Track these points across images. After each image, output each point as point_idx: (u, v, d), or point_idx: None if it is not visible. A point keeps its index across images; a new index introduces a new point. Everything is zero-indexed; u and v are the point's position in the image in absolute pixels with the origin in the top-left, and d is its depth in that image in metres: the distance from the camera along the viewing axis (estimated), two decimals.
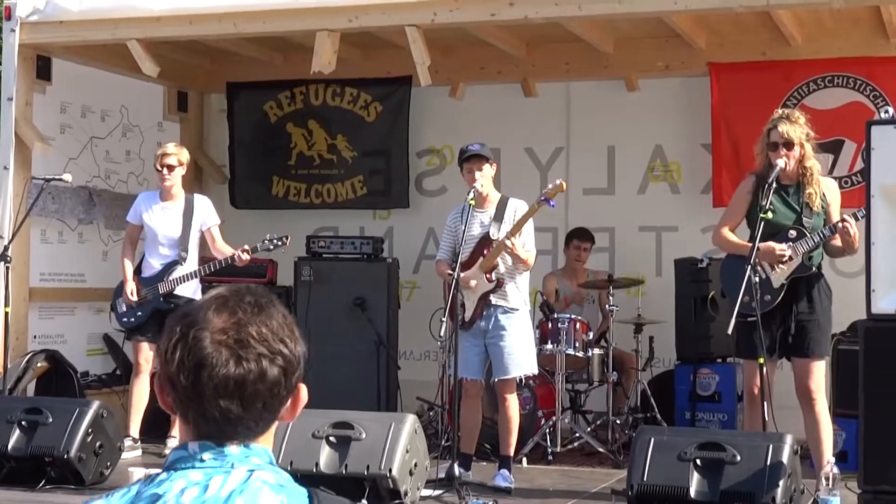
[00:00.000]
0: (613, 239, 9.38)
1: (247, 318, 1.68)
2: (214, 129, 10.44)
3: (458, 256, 6.67)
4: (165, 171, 7.66)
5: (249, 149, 10.16)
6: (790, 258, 6.03)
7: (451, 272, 6.55)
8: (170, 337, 1.69)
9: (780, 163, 6.00)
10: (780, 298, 6.06)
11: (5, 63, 8.43)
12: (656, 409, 7.99)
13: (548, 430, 7.71)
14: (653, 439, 5.71)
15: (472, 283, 6.67)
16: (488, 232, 6.76)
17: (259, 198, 10.11)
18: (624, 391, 8.34)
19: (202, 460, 1.67)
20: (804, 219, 6.09)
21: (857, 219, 5.97)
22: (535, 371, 6.94)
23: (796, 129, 6.08)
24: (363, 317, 8.52)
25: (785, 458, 5.44)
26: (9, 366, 7.83)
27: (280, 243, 7.63)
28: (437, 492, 6.28)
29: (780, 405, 6.04)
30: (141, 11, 7.89)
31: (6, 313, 7.66)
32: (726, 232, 6.30)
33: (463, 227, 6.65)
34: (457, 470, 6.30)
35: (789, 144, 6.06)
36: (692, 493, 5.48)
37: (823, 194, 6.14)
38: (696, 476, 5.53)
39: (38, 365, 8.13)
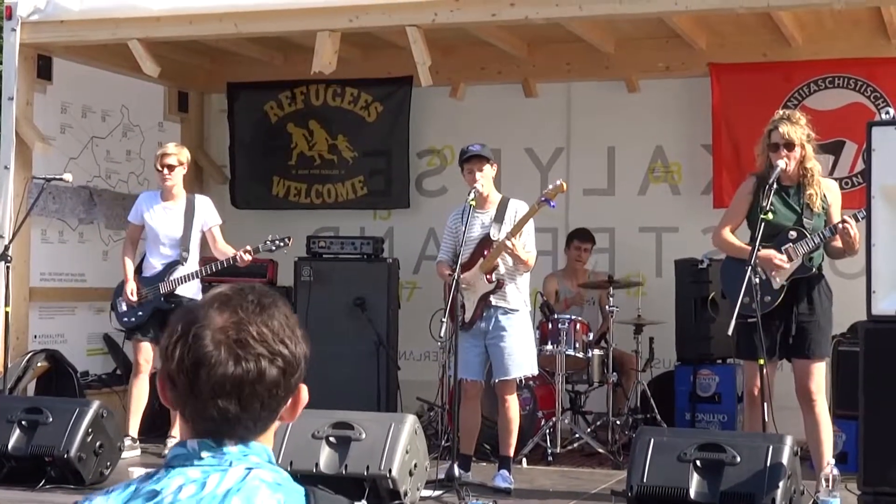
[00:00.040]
0: (613, 240, 9.37)
1: (248, 317, 1.67)
2: (215, 130, 10.44)
3: (458, 257, 6.67)
4: (166, 171, 7.65)
5: (250, 149, 10.16)
6: (787, 267, 6.05)
7: (451, 273, 6.54)
8: (171, 334, 1.69)
9: (781, 164, 6.00)
10: (780, 299, 6.06)
11: (6, 63, 8.43)
12: (656, 410, 7.98)
13: (548, 431, 7.70)
14: (653, 440, 5.71)
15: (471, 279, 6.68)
16: (489, 233, 6.76)
17: (259, 198, 10.11)
18: (624, 392, 8.34)
19: (201, 458, 1.67)
20: (805, 220, 6.09)
21: (857, 220, 5.97)
22: (536, 372, 6.94)
23: (797, 130, 6.08)
24: (363, 317, 8.52)
25: (785, 460, 5.43)
26: (9, 365, 7.84)
27: (282, 244, 7.63)
28: (437, 492, 6.27)
29: (780, 406, 6.04)
30: (141, 11, 7.89)
31: (6, 313, 7.66)
32: (727, 233, 6.30)
33: (463, 228, 6.65)
34: (456, 470, 6.30)
35: (790, 145, 6.06)
36: (692, 494, 5.48)
37: (824, 195, 6.14)
38: (695, 477, 5.53)
39: (39, 364, 8.14)
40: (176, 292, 7.59)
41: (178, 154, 7.74)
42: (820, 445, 6.04)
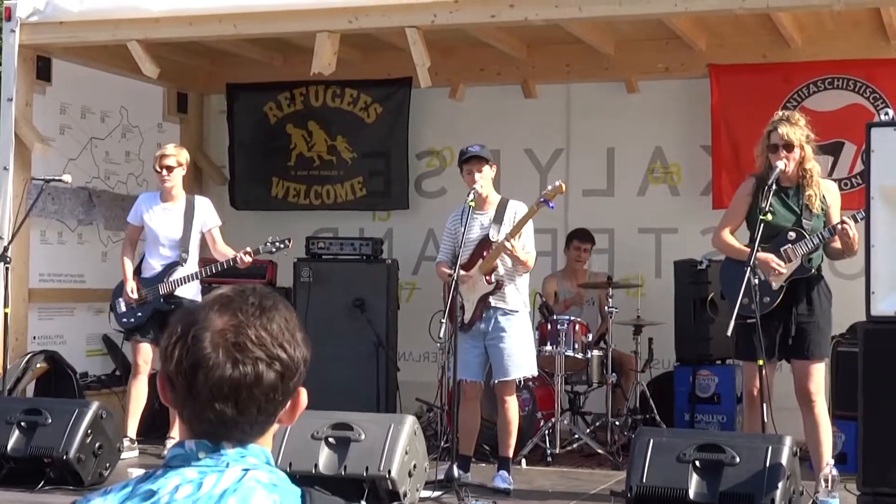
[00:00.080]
0: (613, 240, 9.37)
1: (247, 320, 1.67)
2: (214, 131, 10.44)
3: (457, 258, 6.67)
4: (165, 172, 7.65)
5: (249, 150, 10.16)
6: (785, 272, 6.05)
7: (451, 273, 6.54)
8: (171, 335, 1.69)
9: (780, 165, 6.00)
10: (779, 300, 6.06)
11: (5, 64, 8.43)
12: (655, 411, 7.99)
13: (547, 432, 7.70)
14: (652, 441, 5.71)
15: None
16: (488, 234, 6.76)
17: (259, 199, 10.11)
18: (623, 393, 8.34)
19: (198, 459, 1.67)
20: (804, 221, 6.09)
21: (856, 221, 5.97)
22: (535, 373, 6.94)
23: (796, 131, 6.08)
24: (362, 318, 8.52)
25: (784, 460, 5.43)
26: (8, 366, 7.83)
27: (282, 246, 7.63)
28: (437, 493, 6.27)
29: (780, 407, 6.05)
30: (141, 12, 7.89)
31: (6, 314, 7.65)
32: (726, 235, 6.30)
33: (462, 229, 6.65)
34: (456, 471, 6.29)
35: (789, 146, 6.06)
36: (691, 494, 5.48)
37: (823, 196, 6.14)
38: (695, 478, 5.53)
39: (38, 366, 8.14)
40: (175, 293, 7.59)
41: (178, 155, 7.74)
42: (819, 446, 6.04)
